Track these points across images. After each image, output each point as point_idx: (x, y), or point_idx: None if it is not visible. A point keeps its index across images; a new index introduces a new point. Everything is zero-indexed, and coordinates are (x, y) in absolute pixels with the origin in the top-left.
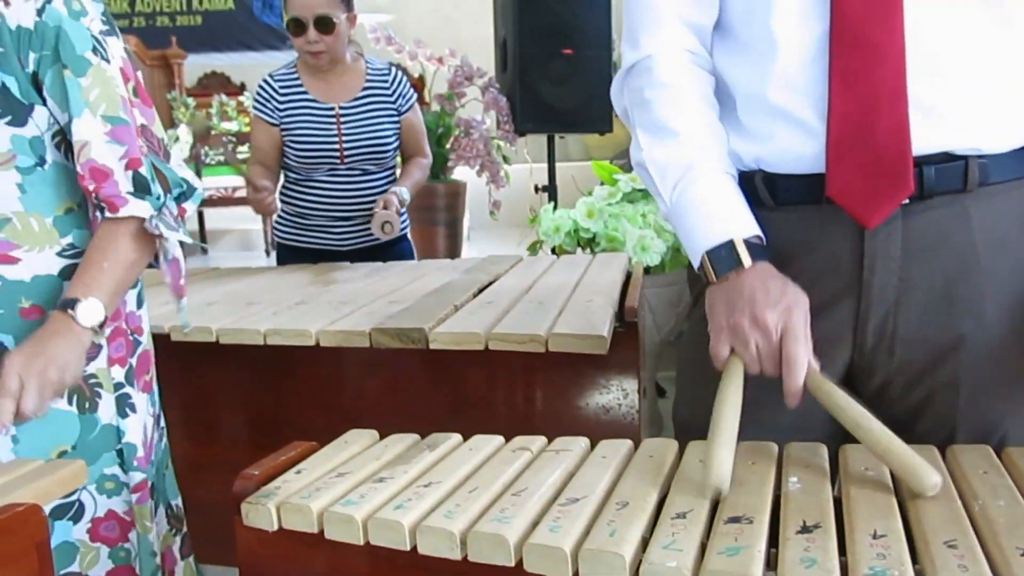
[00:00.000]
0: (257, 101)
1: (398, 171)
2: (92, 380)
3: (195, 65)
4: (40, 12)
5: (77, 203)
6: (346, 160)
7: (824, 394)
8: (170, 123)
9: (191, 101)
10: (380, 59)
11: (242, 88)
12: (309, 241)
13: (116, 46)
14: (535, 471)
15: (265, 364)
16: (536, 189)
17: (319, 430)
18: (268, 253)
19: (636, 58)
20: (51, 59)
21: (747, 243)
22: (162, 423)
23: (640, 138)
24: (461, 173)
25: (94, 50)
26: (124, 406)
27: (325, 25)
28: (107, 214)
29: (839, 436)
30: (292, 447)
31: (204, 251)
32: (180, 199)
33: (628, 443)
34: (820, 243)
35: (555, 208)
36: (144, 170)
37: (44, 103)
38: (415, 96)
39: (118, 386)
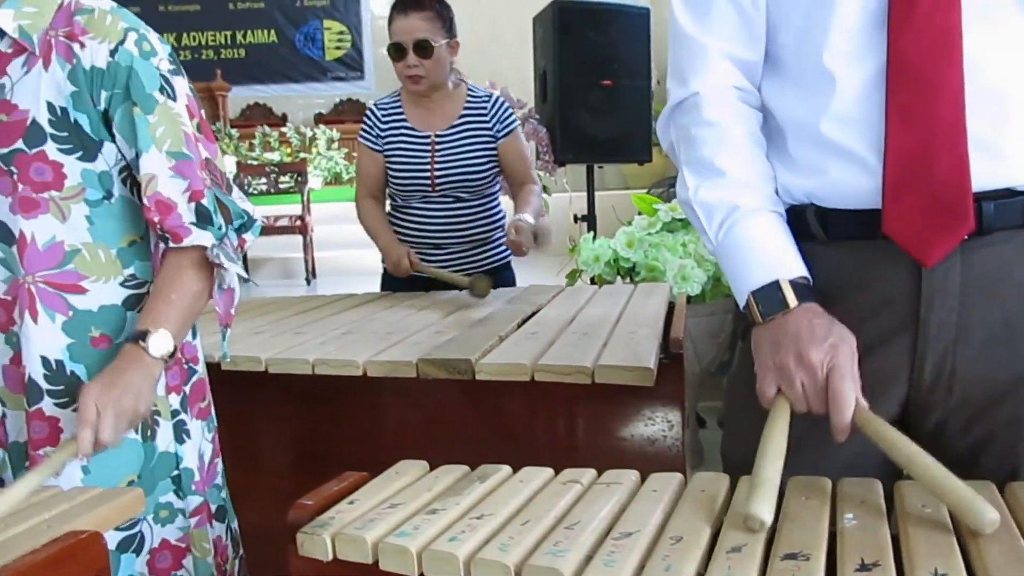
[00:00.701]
0: (362, 129)
1: (501, 198)
2: (152, 408)
3: (238, 97)
4: (113, 53)
5: (140, 235)
6: (437, 188)
7: (872, 430)
8: None
9: (235, 132)
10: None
11: (284, 119)
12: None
13: (182, 85)
14: (587, 504)
15: (311, 393)
16: (575, 219)
17: (365, 459)
18: (308, 281)
19: (683, 95)
20: (122, 97)
21: (793, 284)
22: (217, 448)
23: (686, 176)
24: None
25: (161, 89)
26: (181, 432)
27: (424, 50)
28: (171, 244)
29: (892, 473)
30: (344, 477)
31: (246, 280)
32: (240, 230)
33: (678, 477)
34: (874, 279)
35: (595, 237)
36: (206, 202)
37: (113, 139)
38: (516, 122)
39: (175, 413)
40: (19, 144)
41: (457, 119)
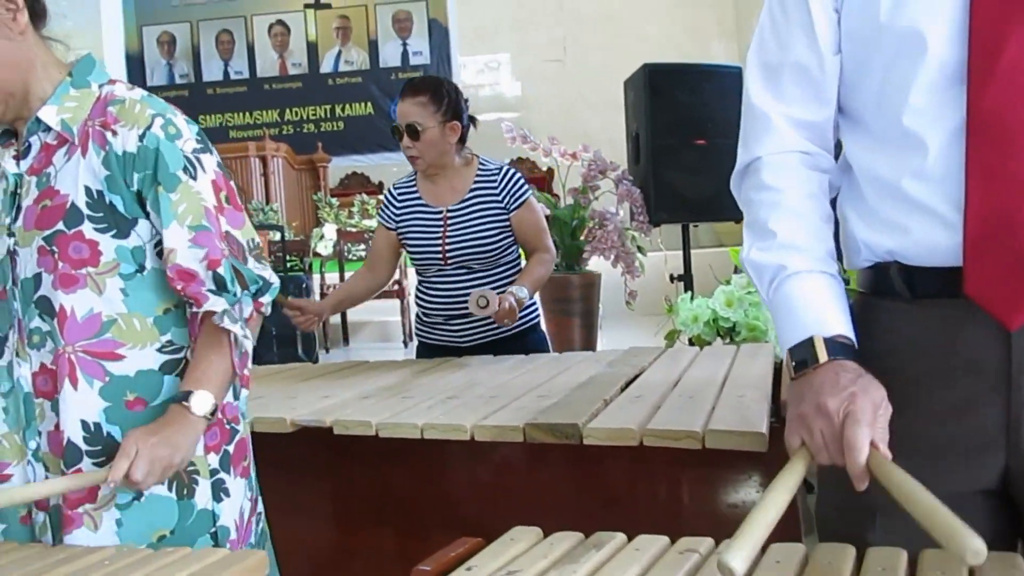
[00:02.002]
0: (379, 209)
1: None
2: (190, 467)
3: (337, 167)
4: (142, 138)
5: (174, 304)
6: (449, 260)
7: (883, 475)
8: (316, 222)
9: (335, 201)
10: (513, 155)
11: (380, 187)
12: (436, 338)
13: (209, 161)
14: (707, 575)
15: (415, 455)
16: (671, 278)
17: (470, 523)
18: (406, 344)
19: (746, 159)
20: (151, 178)
21: (828, 340)
22: (260, 507)
23: (745, 236)
24: (595, 263)
25: (184, 168)
26: (219, 491)
27: (414, 132)
28: (194, 309)
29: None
30: (460, 543)
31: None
32: (257, 295)
33: (801, 548)
34: (960, 340)
35: (692, 297)
36: (222, 270)
37: (147, 216)
38: (527, 193)
39: (213, 472)
40: (60, 226)
41: (468, 193)
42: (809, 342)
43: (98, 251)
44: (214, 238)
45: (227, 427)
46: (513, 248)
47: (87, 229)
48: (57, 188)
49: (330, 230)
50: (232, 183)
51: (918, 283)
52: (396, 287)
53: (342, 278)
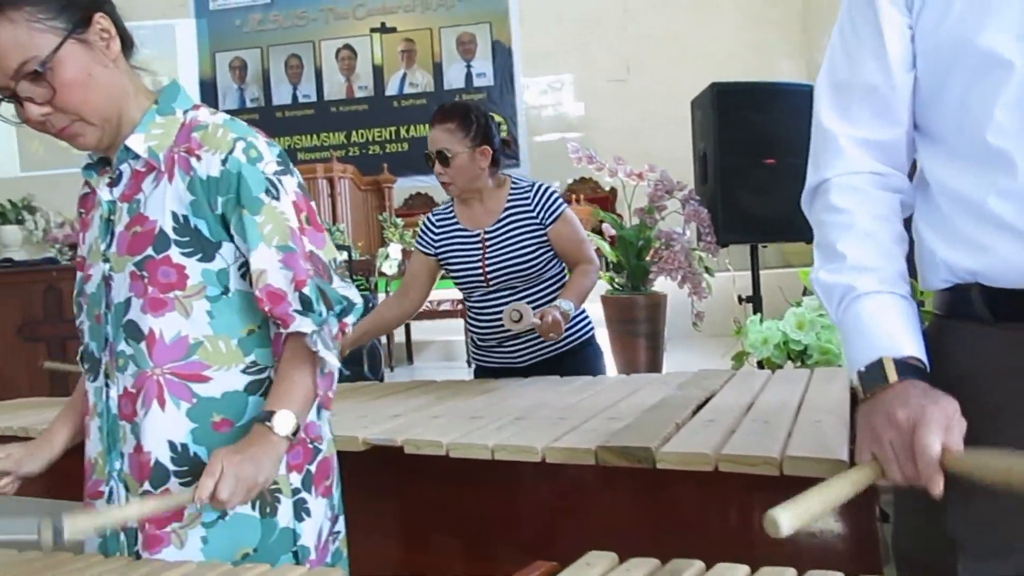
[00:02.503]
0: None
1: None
2: (273, 486)
3: (402, 188)
4: (224, 162)
5: (257, 325)
6: (491, 282)
7: (964, 465)
8: (381, 242)
9: (399, 221)
10: (576, 175)
11: None
12: (493, 361)
13: (290, 183)
14: None
15: (485, 477)
16: (739, 300)
17: (537, 545)
18: (470, 363)
19: (815, 181)
20: (234, 201)
21: (899, 362)
22: (338, 527)
23: (815, 257)
24: (660, 284)
25: (267, 191)
26: (300, 510)
27: (444, 159)
28: (281, 329)
29: None
30: (535, 567)
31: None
32: (341, 315)
33: None
34: None
35: (762, 320)
36: (308, 290)
37: (231, 239)
38: (562, 206)
39: (295, 491)
40: (149, 251)
41: (502, 213)
42: (879, 364)
43: (185, 275)
44: (299, 259)
45: (309, 446)
46: (554, 262)
47: (174, 253)
48: (146, 214)
49: (395, 250)
50: (312, 203)
51: (1002, 305)
52: (460, 306)
53: None
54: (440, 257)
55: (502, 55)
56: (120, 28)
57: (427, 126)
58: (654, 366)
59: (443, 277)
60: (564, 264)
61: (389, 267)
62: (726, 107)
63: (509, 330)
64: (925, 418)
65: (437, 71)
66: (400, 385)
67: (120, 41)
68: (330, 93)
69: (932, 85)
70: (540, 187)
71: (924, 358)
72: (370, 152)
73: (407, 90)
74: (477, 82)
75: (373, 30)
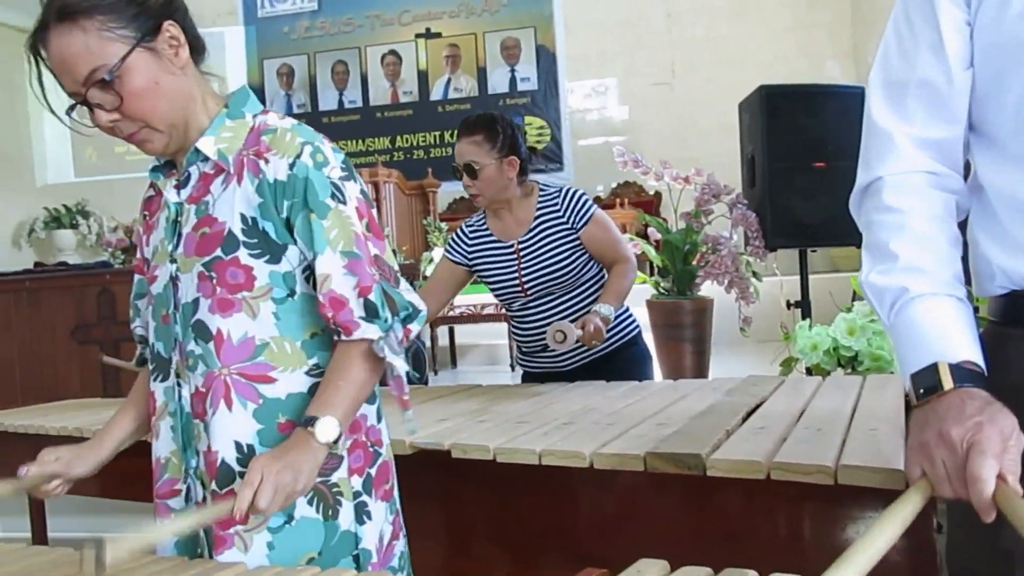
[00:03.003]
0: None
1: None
2: (335, 489)
3: (445, 192)
4: (291, 166)
5: (321, 328)
6: (528, 292)
7: (1012, 510)
8: (425, 246)
9: (443, 225)
10: (620, 179)
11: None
12: (538, 366)
13: (353, 189)
14: None
15: (528, 481)
16: (788, 304)
17: (587, 551)
18: (513, 368)
19: (866, 180)
20: (300, 205)
21: (954, 367)
22: (403, 530)
23: (864, 259)
24: (707, 289)
25: (332, 195)
26: (362, 514)
27: (471, 171)
28: (342, 337)
29: None
30: (587, 573)
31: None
32: (406, 321)
33: None
34: None
35: (811, 325)
36: (373, 296)
37: (295, 243)
38: (592, 208)
39: (356, 494)
40: (218, 252)
41: (533, 222)
42: (933, 368)
43: (252, 276)
44: (364, 264)
45: (370, 450)
46: (590, 265)
47: (242, 255)
48: (215, 216)
49: (439, 253)
50: (373, 210)
51: None
52: (503, 310)
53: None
54: (475, 269)
55: (546, 59)
56: (190, 34)
57: None
58: (700, 371)
59: (474, 282)
60: (599, 265)
61: (433, 271)
62: (775, 110)
63: (541, 340)
64: (980, 442)
65: (481, 76)
66: (446, 389)
67: (191, 48)
68: (375, 98)
69: (989, 84)
70: (568, 192)
71: (981, 362)
72: (414, 157)
73: (451, 95)
74: (521, 86)
75: (418, 36)
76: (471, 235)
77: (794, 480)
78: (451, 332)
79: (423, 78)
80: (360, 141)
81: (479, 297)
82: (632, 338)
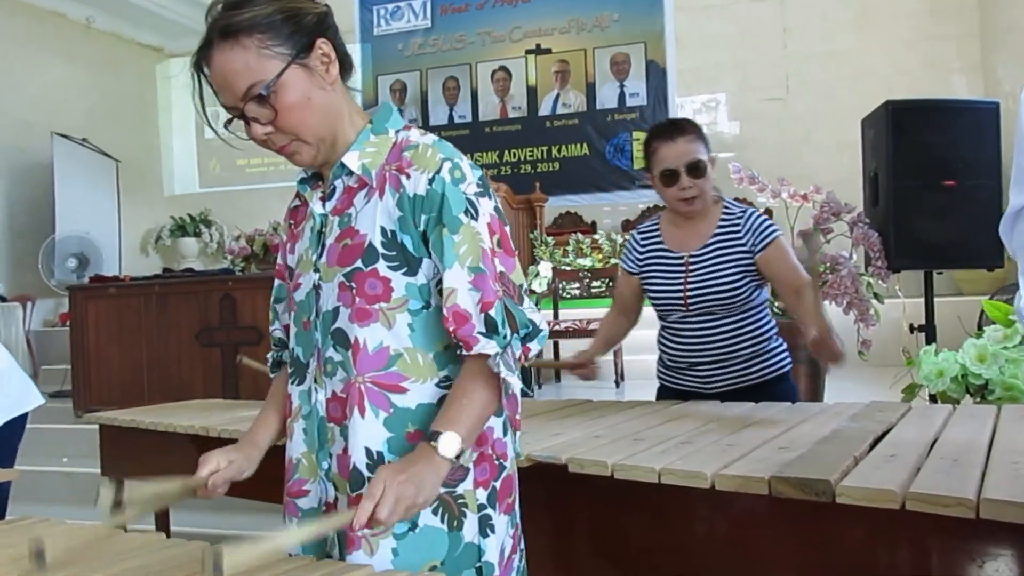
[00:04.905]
0: (622, 253)
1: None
2: (460, 501)
3: (552, 207)
4: (431, 181)
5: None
6: (691, 307)
7: None
8: (531, 260)
9: (550, 240)
10: (731, 195)
11: (593, 226)
12: (680, 383)
13: (487, 205)
14: None
15: (644, 499)
16: (911, 329)
17: (694, 574)
18: (618, 384)
19: (1020, 203)
20: (435, 220)
21: None
22: (522, 544)
23: (1021, 285)
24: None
25: (466, 211)
26: (485, 526)
27: (697, 170)
28: (463, 352)
29: None
30: None
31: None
32: (526, 339)
33: None
34: None
35: (937, 351)
36: (495, 312)
37: (430, 256)
38: (775, 232)
39: (481, 507)
40: (358, 263)
41: (711, 238)
42: None
43: (390, 287)
44: (489, 280)
45: (496, 463)
46: (758, 291)
47: (381, 267)
48: (357, 228)
49: (545, 268)
50: (507, 228)
51: None
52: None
53: (556, 315)
54: (642, 276)
55: (656, 75)
56: (340, 51)
57: (579, 146)
58: (815, 395)
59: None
60: (766, 294)
61: (539, 285)
62: (901, 126)
63: (703, 355)
64: None
65: (590, 91)
66: (556, 403)
67: (340, 65)
68: (485, 114)
69: None
70: (752, 213)
71: None
72: (522, 171)
73: (560, 110)
74: (630, 102)
75: (528, 52)
76: (642, 242)
77: (929, 512)
78: (556, 347)
79: (532, 94)
80: (469, 155)
81: (585, 312)
82: (785, 372)
